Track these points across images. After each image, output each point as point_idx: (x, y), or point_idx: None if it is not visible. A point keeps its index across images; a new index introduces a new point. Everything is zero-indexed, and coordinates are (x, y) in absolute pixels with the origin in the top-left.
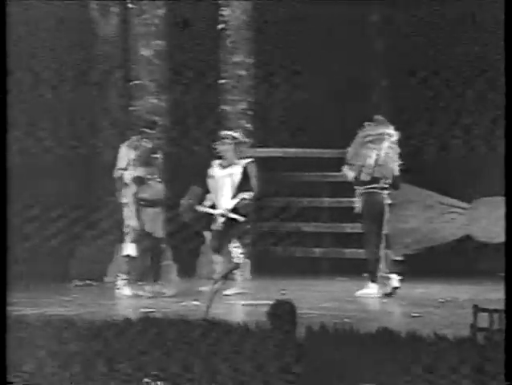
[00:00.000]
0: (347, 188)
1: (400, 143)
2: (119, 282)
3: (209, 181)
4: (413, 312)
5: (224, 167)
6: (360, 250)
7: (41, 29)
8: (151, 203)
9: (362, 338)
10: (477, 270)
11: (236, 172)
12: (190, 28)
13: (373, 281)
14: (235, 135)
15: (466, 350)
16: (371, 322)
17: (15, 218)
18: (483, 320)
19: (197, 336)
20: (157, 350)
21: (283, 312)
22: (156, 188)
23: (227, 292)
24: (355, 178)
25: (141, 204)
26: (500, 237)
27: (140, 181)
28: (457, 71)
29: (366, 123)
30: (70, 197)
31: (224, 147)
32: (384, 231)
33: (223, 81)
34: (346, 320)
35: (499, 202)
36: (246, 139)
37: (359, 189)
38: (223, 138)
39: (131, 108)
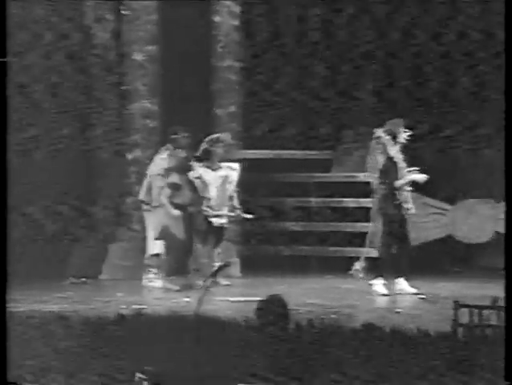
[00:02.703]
0: (333, 189)
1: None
2: (151, 276)
3: (197, 182)
4: (397, 308)
5: (214, 169)
6: (345, 249)
7: (37, 34)
8: (181, 207)
9: (348, 332)
10: (458, 268)
11: (231, 173)
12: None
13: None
14: (227, 138)
15: (448, 344)
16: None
17: (14, 217)
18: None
19: (188, 331)
20: (149, 345)
21: (275, 307)
22: (188, 195)
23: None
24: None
25: (173, 207)
26: (480, 238)
27: (174, 187)
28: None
29: (376, 130)
30: (67, 197)
31: (218, 150)
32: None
33: (214, 85)
34: (333, 316)
35: (480, 204)
36: (233, 142)
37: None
38: (216, 141)
39: (124, 111)
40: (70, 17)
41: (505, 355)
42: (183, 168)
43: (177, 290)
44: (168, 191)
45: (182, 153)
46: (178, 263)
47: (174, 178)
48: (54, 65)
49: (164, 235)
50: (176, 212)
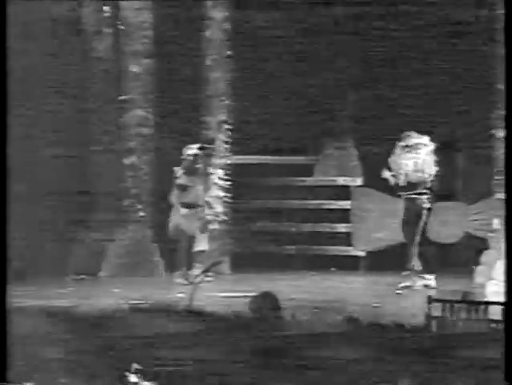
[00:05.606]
0: (315, 192)
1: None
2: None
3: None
4: (374, 302)
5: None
6: (327, 247)
7: (41, 47)
8: (189, 206)
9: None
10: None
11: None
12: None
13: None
14: (217, 144)
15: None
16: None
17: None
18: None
19: (181, 325)
20: (144, 338)
21: (267, 303)
22: (196, 194)
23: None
24: (396, 184)
25: (182, 206)
26: (451, 238)
27: (182, 188)
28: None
29: (404, 134)
30: (68, 201)
31: (207, 157)
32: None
33: (205, 95)
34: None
35: (452, 207)
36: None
37: (401, 195)
38: (207, 149)
39: (121, 120)
40: (70, 32)
41: (505, 355)
42: (190, 170)
43: (186, 284)
44: (176, 191)
45: (190, 156)
46: (188, 258)
47: (182, 179)
48: (56, 77)
49: (175, 232)
50: (184, 211)
